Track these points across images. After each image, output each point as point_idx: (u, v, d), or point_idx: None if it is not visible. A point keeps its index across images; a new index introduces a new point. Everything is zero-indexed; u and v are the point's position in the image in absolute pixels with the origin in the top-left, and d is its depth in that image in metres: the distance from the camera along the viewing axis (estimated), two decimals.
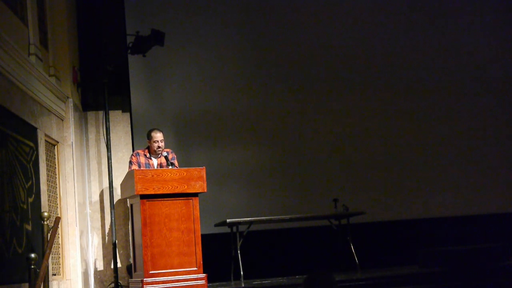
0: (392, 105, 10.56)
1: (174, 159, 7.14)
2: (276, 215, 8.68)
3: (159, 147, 7.10)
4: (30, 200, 5.85)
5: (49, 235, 5.94)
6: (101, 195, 7.84)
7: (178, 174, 6.36)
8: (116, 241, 7.55)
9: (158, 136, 7.13)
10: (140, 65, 9.41)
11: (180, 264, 6.22)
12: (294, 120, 10.28)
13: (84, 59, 8.10)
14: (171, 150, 7.26)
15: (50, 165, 6.75)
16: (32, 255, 5.25)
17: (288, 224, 9.01)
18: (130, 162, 7.20)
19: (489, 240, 8.88)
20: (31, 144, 6.02)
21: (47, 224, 5.94)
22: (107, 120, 7.65)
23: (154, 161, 7.19)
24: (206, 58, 10.04)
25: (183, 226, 6.29)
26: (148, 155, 7.18)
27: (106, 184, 7.74)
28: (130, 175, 6.50)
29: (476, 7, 10.99)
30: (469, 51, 10.81)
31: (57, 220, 6.31)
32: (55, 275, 6.52)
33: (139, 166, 7.07)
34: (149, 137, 7.19)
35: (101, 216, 7.81)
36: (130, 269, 7.27)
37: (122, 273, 7.61)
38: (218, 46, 10.09)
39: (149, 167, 7.09)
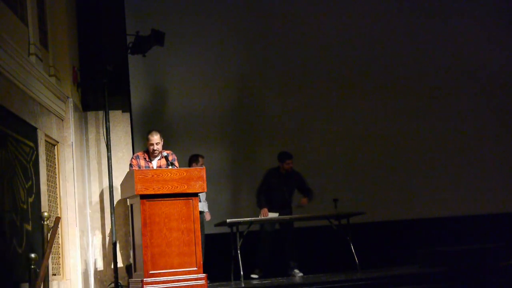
0: (392, 105, 10.58)
1: (174, 161, 7.16)
2: None
3: (154, 150, 7.17)
4: (30, 200, 5.84)
5: (49, 235, 5.94)
6: (101, 195, 7.84)
7: (178, 174, 6.36)
8: (116, 241, 7.55)
9: (153, 139, 7.21)
10: (140, 65, 9.41)
11: (180, 264, 6.21)
12: (294, 120, 10.28)
13: (84, 59, 8.09)
14: (171, 152, 7.28)
15: (50, 165, 6.74)
16: (32, 255, 5.25)
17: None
18: (130, 165, 7.22)
19: (489, 240, 8.88)
20: (31, 144, 6.02)
21: (47, 224, 5.93)
22: (107, 120, 7.64)
23: (154, 164, 7.21)
24: (206, 58, 10.05)
25: (183, 226, 6.28)
26: (147, 158, 7.22)
27: (106, 184, 7.74)
28: (130, 175, 6.50)
29: (476, 7, 10.99)
30: (469, 51, 10.81)
31: (57, 220, 6.31)
32: (55, 275, 6.51)
33: (139, 168, 7.09)
34: (147, 139, 7.26)
35: (101, 216, 7.80)
36: (130, 269, 7.27)
37: (122, 273, 7.61)
38: (218, 46, 10.10)
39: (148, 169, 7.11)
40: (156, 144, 7.18)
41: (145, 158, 7.21)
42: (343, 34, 10.52)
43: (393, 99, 10.58)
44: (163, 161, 7.13)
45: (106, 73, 7.68)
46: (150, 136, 7.22)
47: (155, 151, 7.17)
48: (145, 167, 7.15)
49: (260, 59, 10.30)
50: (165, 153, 7.05)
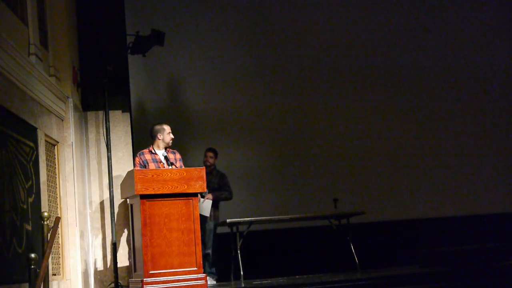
0: (392, 105, 10.58)
1: (181, 160, 7.21)
2: (276, 215, 8.68)
3: (172, 138, 7.24)
4: (30, 200, 5.84)
5: (49, 235, 5.94)
6: (101, 195, 7.84)
7: (178, 174, 6.36)
8: (116, 241, 7.55)
9: (170, 128, 7.25)
10: (140, 65, 9.42)
11: (180, 264, 6.22)
12: (294, 120, 10.29)
13: (84, 59, 8.08)
14: (176, 151, 7.33)
15: (50, 165, 6.74)
16: (32, 255, 5.25)
17: (288, 224, 9.01)
18: (134, 165, 7.24)
19: (489, 240, 8.88)
20: (31, 144, 6.02)
21: (47, 224, 5.93)
22: (107, 120, 7.64)
23: (160, 154, 7.21)
24: (206, 58, 10.05)
25: (183, 226, 6.28)
26: (153, 150, 7.23)
27: (106, 184, 7.74)
28: (130, 175, 6.51)
29: (476, 7, 11.00)
30: (469, 51, 10.82)
31: (57, 220, 6.30)
32: (55, 275, 6.51)
33: (146, 163, 7.09)
34: (161, 130, 7.24)
35: (101, 216, 7.80)
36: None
37: (122, 273, 7.61)
38: (218, 46, 10.10)
39: (156, 162, 7.13)
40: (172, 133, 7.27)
41: (150, 151, 7.23)
42: (344, 34, 10.52)
43: (394, 99, 10.59)
44: (172, 156, 7.17)
45: (106, 73, 7.68)
46: (166, 126, 7.28)
47: (172, 140, 7.23)
48: (153, 159, 7.16)
49: (260, 59, 10.30)
50: (164, 153, 7.07)
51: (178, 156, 7.24)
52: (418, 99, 10.66)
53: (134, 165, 7.22)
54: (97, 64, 7.90)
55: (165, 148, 7.25)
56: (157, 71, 9.92)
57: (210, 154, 8.45)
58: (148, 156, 7.20)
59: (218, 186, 8.32)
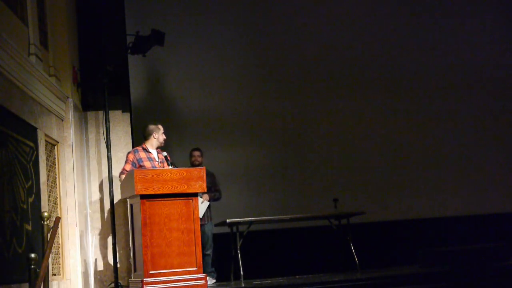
0: (392, 105, 10.58)
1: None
2: (276, 215, 8.68)
3: (165, 139, 7.21)
4: (30, 200, 5.85)
5: (49, 235, 5.94)
6: (101, 195, 7.84)
7: (178, 174, 6.36)
8: (116, 241, 7.55)
9: (163, 128, 7.28)
10: (140, 65, 9.42)
11: (180, 264, 6.22)
12: (294, 120, 10.29)
13: (84, 59, 8.09)
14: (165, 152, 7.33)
15: (50, 165, 6.75)
16: (32, 255, 5.25)
17: (288, 224, 9.01)
18: (126, 161, 7.20)
19: (489, 240, 8.88)
20: (31, 144, 6.02)
21: (47, 224, 5.93)
22: (107, 120, 7.64)
23: (154, 153, 7.22)
24: (206, 58, 10.05)
25: (183, 226, 6.28)
26: (147, 149, 7.23)
27: (106, 184, 7.74)
28: (130, 175, 6.51)
29: (476, 7, 11.00)
30: (469, 51, 10.82)
31: (57, 220, 6.30)
32: (55, 275, 6.52)
33: (140, 162, 7.08)
34: (156, 130, 7.26)
35: (101, 216, 7.80)
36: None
37: (122, 273, 7.61)
38: (218, 46, 10.10)
39: (151, 160, 7.13)
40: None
41: (145, 149, 7.23)
42: (343, 34, 10.53)
43: (394, 99, 10.59)
44: (162, 157, 7.16)
45: (106, 73, 7.68)
46: (160, 126, 7.31)
47: (164, 140, 7.25)
48: (148, 158, 7.16)
49: (260, 59, 10.31)
50: (164, 153, 7.07)
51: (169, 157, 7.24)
52: (418, 100, 10.66)
53: (126, 160, 7.20)
54: (97, 64, 7.90)
55: (156, 148, 7.27)
56: (157, 71, 9.92)
57: (198, 153, 8.39)
58: (142, 154, 7.19)
59: (210, 185, 8.32)
